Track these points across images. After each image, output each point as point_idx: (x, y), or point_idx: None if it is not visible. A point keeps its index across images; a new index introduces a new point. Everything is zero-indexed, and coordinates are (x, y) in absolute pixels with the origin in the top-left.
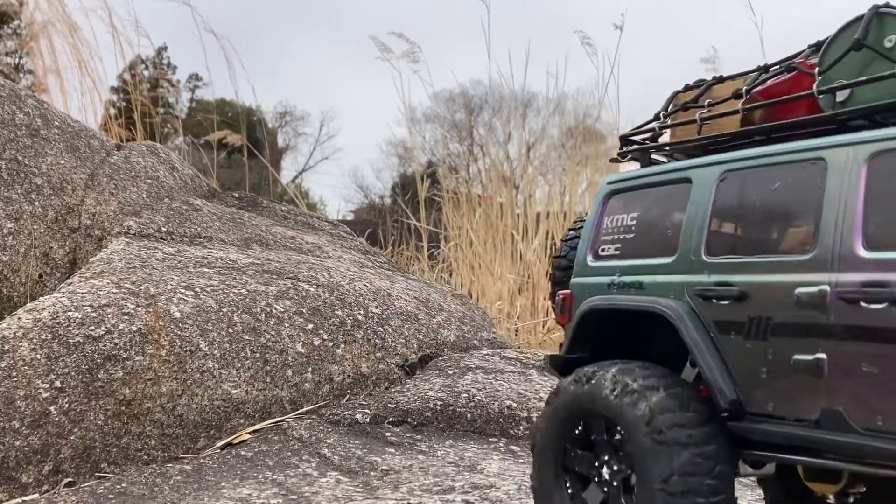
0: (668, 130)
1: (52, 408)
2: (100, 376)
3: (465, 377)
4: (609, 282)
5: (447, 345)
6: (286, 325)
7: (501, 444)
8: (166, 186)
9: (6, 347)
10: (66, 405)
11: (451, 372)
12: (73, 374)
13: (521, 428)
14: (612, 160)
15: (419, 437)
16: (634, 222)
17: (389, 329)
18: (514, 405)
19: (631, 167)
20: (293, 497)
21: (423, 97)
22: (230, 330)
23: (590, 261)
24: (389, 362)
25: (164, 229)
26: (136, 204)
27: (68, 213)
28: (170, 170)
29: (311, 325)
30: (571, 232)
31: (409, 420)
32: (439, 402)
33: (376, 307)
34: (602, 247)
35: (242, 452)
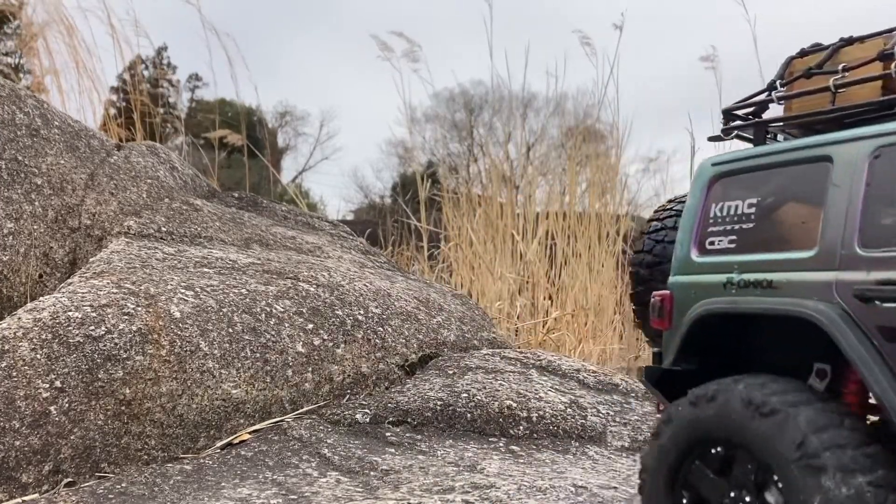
0: (768, 104)
1: (52, 408)
2: (100, 376)
3: (465, 377)
4: (725, 280)
5: (447, 345)
6: (286, 325)
7: (501, 444)
8: (166, 186)
9: (6, 347)
10: (66, 405)
11: (451, 372)
12: (73, 374)
13: (520, 428)
14: (713, 139)
15: (419, 437)
16: (753, 210)
17: (389, 329)
18: (514, 405)
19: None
20: (293, 497)
21: (423, 97)
22: (230, 330)
23: (694, 256)
24: (389, 362)
25: (164, 229)
26: (136, 204)
27: (68, 213)
28: (170, 170)
29: (311, 325)
30: (655, 223)
31: (409, 420)
32: (439, 402)
33: (376, 307)
34: (710, 239)
35: (242, 452)
